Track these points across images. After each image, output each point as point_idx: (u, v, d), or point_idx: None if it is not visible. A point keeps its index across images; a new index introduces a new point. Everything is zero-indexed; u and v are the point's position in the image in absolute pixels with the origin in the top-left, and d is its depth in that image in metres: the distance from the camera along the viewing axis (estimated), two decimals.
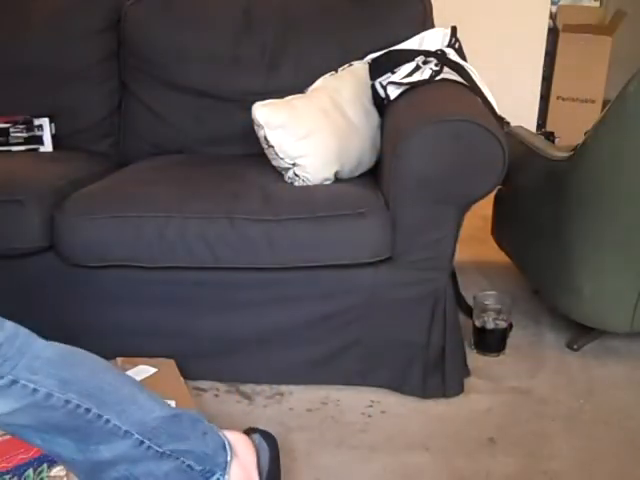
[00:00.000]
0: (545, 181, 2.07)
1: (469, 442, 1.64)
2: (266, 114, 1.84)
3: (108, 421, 1.13)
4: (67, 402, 1.09)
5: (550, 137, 3.96)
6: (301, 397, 1.81)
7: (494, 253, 2.51)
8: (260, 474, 1.32)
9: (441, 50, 2.01)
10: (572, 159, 1.91)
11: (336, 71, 2.08)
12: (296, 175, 1.84)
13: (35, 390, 1.07)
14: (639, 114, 1.74)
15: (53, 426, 1.10)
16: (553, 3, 4.35)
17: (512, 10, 3.51)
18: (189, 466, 1.22)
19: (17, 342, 1.08)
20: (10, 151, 2.19)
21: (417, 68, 1.95)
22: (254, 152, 2.01)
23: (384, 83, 1.99)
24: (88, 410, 1.11)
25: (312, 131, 1.85)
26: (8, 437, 1.35)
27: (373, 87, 2.03)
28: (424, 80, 1.89)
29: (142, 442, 1.16)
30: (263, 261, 1.72)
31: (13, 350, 1.07)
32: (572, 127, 3.25)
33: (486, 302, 2.03)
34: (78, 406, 1.10)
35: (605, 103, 3.97)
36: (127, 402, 1.17)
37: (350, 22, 2.22)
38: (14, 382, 1.05)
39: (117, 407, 1.15)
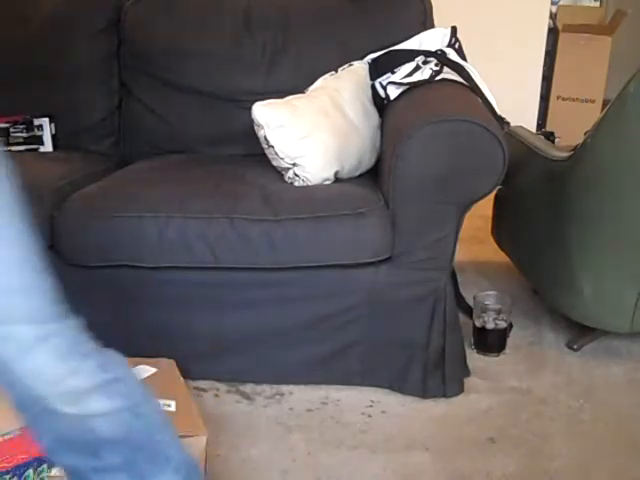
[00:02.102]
0: (545, 181, 2.07)
1: (469, 442, 1.64)
2: (266, 114, 1.84)
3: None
4: None
5: (550, 137, 3.96)
6: (301, 397, 1.81)
7: (494, 253, 2.51)
8: None
9: (441, 50, 2.01)
10: (572, 159, 1.91)
11: (336, 71, 2.08)
12: (296, 175, 1.84)
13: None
14: (639, 114, 1.74)
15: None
16: (553, 3, 4.35)
17: (512, 10, 3.51)
18: None
19: None
20: (10, 151, 2.19)
21: (417, 68, 1.95)
22: (254, 152, 2.01)
23: (384, 83, 1.99)
24: None
25: (312, 131, 1.85)
26: (8, 437, 1.35)
27: (373, 87, 2.03)
28: (424, 80, 1.89)
29: None
30: (263, 261, 1.72)
31: None
32: (572, 127, 3.25)
33: (486, 302, 2.03)
34: None
35: (605, 103, 3.97)
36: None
37: (350, 22, 2.22)
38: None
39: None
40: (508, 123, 2.02)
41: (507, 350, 2.02)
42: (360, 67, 2.07)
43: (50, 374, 0.95)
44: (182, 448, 1.10)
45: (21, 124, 2.20)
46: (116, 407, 1.01)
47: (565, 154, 1.96)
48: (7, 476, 1.30)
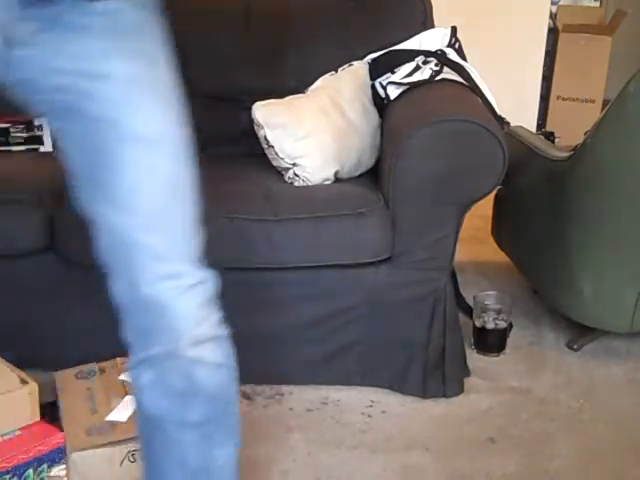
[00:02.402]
0: (545, 181, 2.07)
1: (469, 442, 1.64)
2: (266, 114, 1.84)
3: None
4: None
5: (550, 137, 3.96)
6: (301, 397, 1.81)
7: (494, 253, 2.51)
8: None
9: (441, 50, 2.01)
10: (572, 159, 1.91)
11: (336, 71, 2.07)
12: (296, 175, 1.84)
13: None
14: (639, 114, 1.74)
15: None
16: (553, 3, 4.35)
17: (512, 10, 3.51)
18: None
19: None
20: (10, 151, 2.19)
21: (417, 68, 1.95)
22: (254, 152, 2.01)
23: (384, 83, 1.99)
24: None
25: (312, 131, 1.85)
26: (8, 437, 1.35)
27: (373, 87, 2.03)
28: (424, 80, 1.89)
29: None
30: (263, 261, 1.72)
31: None
32: (572, 127, 3.25)
33: (486, 302, 2.03)
34: None
35: (605, 103, 3.97)
36: None
37: (350, 22, 2.22)
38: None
39: None
40: (508, 123, 2.02)
41: (507, 350, 2.02)
42: (360, 67, 2.07)
43: (193, 318, 1.02)
44: None
45: (21, 124, 2.20)
46: (221, 363, 1.07)
47: (565, 154, 1.96)
48: (7, 476, 1.30)
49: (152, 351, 1.02)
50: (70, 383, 1.60)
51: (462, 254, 2.03)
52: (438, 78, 1.90)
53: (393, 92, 1.95)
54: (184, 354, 1.01)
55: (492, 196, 2.32)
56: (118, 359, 1.68)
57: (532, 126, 3.82)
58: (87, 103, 0.93)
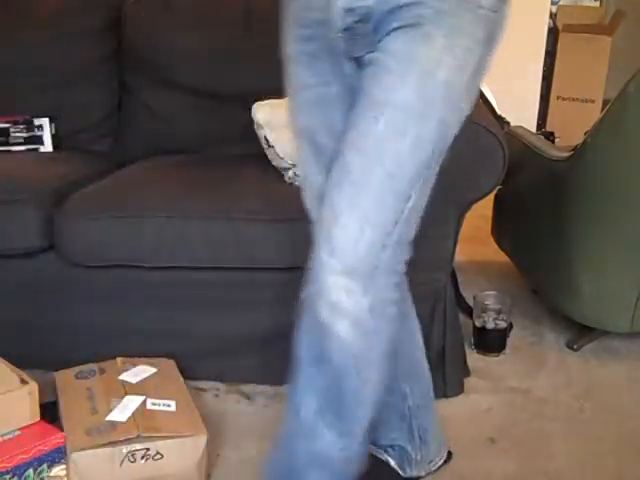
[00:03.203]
0: (545, 181, 2.07)
1: (469, 442, 1.63)
2: (266, 114, 1.84)
3: None
4: None
5: (550, 137, 3.96)
6: None
7: (494, 253, 2.51)
8: None
9: None
10: (572, 159, 1.91)
11: None
12: (296, 175, 1.84)
13: None
14: (639, 114, 1.74)
15: None
16: (553, 3, 4.35)
17: (512, 10, 3.50)
18: None
19: None
20: (10, 151, 2.19)
21: None
22: (254, 152, 2.01)
23: None
24: None
25: None
26: (8, 437, 1.35)
27: None
28: None
29: None
30: (263, 261, 1.72)
31: None
32: (572, 127, 3.25)
33: (486, 302, 2.03)
34: None
35: (605, 103, 3.96)
36: None
37: None
38: None
39: None
40: (508, 123, 2.02)
41: (507, 350, 2.02)
42: None
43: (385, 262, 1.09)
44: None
45: (21, 124, 2.20)
46: (380, 328, 1.13)
47: (565, 154, 1.96)
48: (7, 476, 1.30)
49: (311, 288, 1.14)
50: (70, 383, 1.60)
51: (462, 254, 2.03)
52: None
53: None
54: (322, 308, 1.11)
55: (492, 196, 2.32)
56: (118, 359, 1.69)
57: (532, 126, 3.82)
58: None
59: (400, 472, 1.45)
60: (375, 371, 1.15)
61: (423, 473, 1.47)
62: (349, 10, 1.07)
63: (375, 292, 1.09)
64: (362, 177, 1.06)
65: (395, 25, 1.04)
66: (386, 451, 1.46)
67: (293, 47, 1.20)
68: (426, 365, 1.43)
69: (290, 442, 1.20)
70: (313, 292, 1.12)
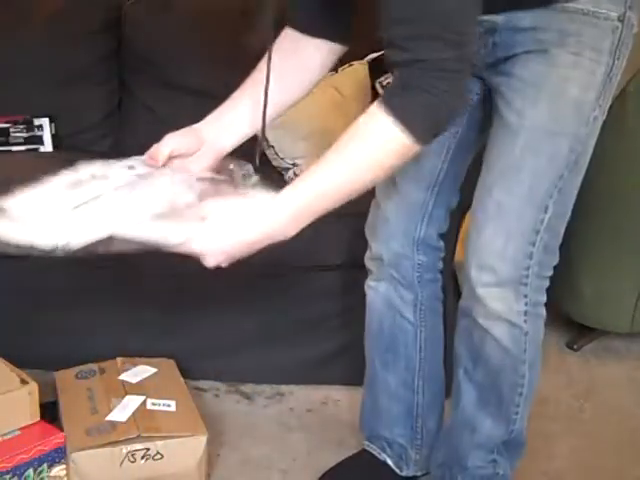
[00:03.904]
0: None
1: None
2: None
3: None
4: None
5: None
6: (301, 397, 1.81)
7: None
8: None
9: None
10: None
11: (336, 71, 2.07)
12: (296, 175, 1.84)
13: None
14: (639, 114, 1.74)
15: None
16: None
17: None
18: None
19: None
20: (10, 151, 2.19)
21: None
22: (254, 152, 2.00)
23: (384, 83, 1.99)
24: None
25: (312, 131, 1.85)
26: (8, 437, 1.35)
27: (373, 87, 2.02)
28: None
29: None
30: (263, 261, 1.71)
31: None
32: None
33: None
34: None
35: None
36: None
37: None
38: None
39: None
40: None
41: None
42: (360, 67, 2.07)
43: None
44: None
45: (21, 124, 2.20)
46: (533, 329, 1.26)
47: None
48: (7, 476, 1.30)
49: (465, 302, 1.26)
50: (70, 383, 1.60)
51: (462, 254, 2.03)
52: None
53: None
54: (476, 318, 1.22)
55: None
56: (118, 359, 1.68)
57: None
58: None
59: (397, 471, 1.46)
60: (529, 367, 1.26)
61: (419, 473, 1.47)
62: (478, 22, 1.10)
63: (527, 297, 1.21)
64: (503, 195, 1.15)
65: (519, 50, 1.10)
66: (384, 450, 1.46)
67: None
68: (442, 367, 1.45)
69: (452, 430, 1.34)
70: (469, 303, 1.23)
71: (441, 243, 1.41)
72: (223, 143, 1.25)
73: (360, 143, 0.99)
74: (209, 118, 1.27)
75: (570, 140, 1.12)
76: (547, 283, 1.26)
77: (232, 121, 1.26)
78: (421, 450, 1.45)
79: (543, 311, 1.28)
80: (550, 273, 1.25)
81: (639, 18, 1.10)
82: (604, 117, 1.16)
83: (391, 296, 1.39)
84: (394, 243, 1.35)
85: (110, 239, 1.04)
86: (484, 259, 1.18)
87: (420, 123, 0.95)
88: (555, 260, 1.24)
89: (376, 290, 1.41)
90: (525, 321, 1.22)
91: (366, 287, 1.43)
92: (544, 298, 1.27)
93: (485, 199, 1.18)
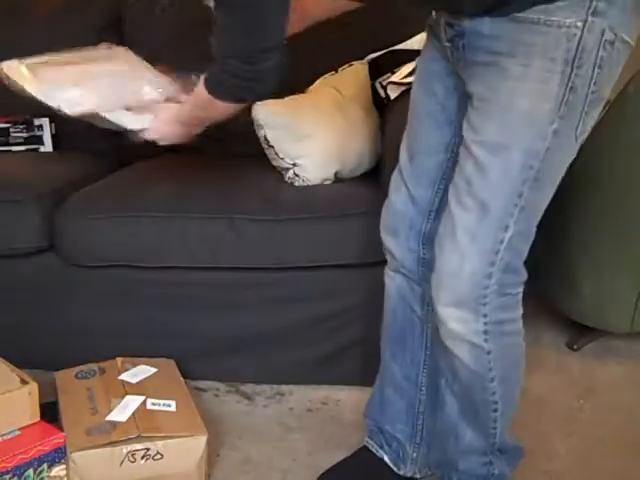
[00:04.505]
0: None
1: None
2: (266, 114, 1.84)
3: None
4: None
5: None
6: (301, 397, 1.81)
7: None
8: None
9: None
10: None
11: (336, 71, 2.07)
12: (296, 175, 1.84)
13: None
14: (639, 114, 1.74)
15: None
16: None
17: None
18: None
19: None
20: (10, 151, 2.19)
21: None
22: (254, 152, 2.01)
23: (384, 83, 1.99)
24: None
25: (312, 131, 1.85)
26: (8, 437, 1.35)
27: (373, 87, 2.02)
28: None
29: None
30: (263, 261, 1.72)
31: None
32: None
33: None
34: None
35: (605, 103, 3.96)
36: None
37: (350, 22, 2.22)
38: None
39: None
40: None
41: None
42: (360, 67, 2.07)
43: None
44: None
45: (21, 124, 2.20)
46: (499, 347, 1.20)
47: None
48: (7, 476, 1.30)
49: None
50: (70, 383, 1.60)
51: None
52: None
53: (393, 92, 1.95)
54: (442, 338, 1.21)
55: None
56: (118, 359, 1.69)
57: None
58: None
59: (395, 469, 1.46)
60: (500, 383, 1.23)
61: (418, 476, 1.47)
62: (449, 25, 1.14)
63: (487, 317, 1.16)
64: (459, 212, 1.13)
65: (478, 59, 1.09)
66: (382, 447, 1.46)
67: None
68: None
69: (440, 434, 1.35)
70: (436, 320, 1.21)
71: None
72: None
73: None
74: None
75: (523, 155, 1.08)
76: (515, 300, 1.20)
77: None
78: (419, 449, 1.45)
79: (512, 327, 1.22)
80: (516, 290, 1.19)
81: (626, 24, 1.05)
82: (587, 129, 1.13)
83: (404, 288, 1.39)
84: (401, 235, 1.35)
85: (94, 114, 1.34)
86: (442, 278, 1.16)
87: (222, 88, 1.25)
88: (521, 277, 1.19)
89: (393, 280, 1.41)
90: (486, 340, 1.18)
91: (385, 275, 1.43)
92: (514, 314, 1.21)
93: (445, 214, 1.17)
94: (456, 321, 1.16)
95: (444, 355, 1.25)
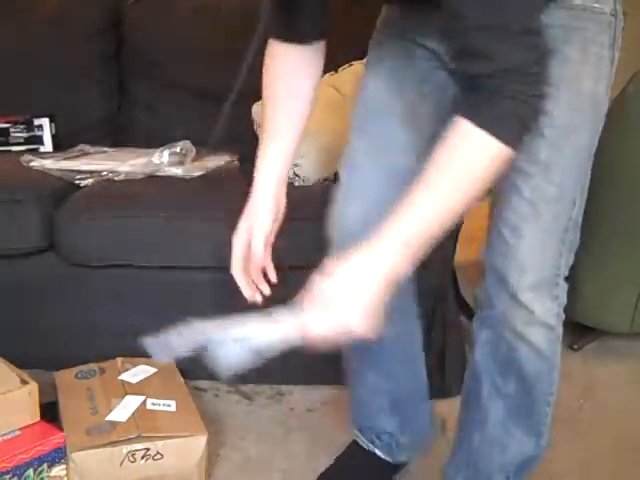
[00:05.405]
0: None
1: None
2: None
3: None
4: None
5: None
6: (301, 397, 1.81)
7: None
8: None
9: None
10: None
11: (336, 71, 2.07)
12: (296, 175, 1.84)
13: None
14: (639, 114, 1.74)
15: None
16: None
17: None
18: None
19: None
20: (10, 151, 2.19)
21: None
22: (254, 152, 2.00)
23: None
24: None
25: (312, 131, 1.85)
26: (8, 437, 1.35)
27: None
28: None
29: None
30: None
31: None
32: None
33: None
34: None
35: None
36: None
37: (350, 22, 2.22)
38: None
39: None
40: None
41: None
42: (360, 67, 2.07)
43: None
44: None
45: (21, 124, 2.20)
46: (544, 350, 1.19)
47: None
48: (7, 476, 1.30)
49: (492, 312, 1.21)
50: (70, 383, 1.60)
51: (462, 254, 2.03)
52: None
53: None
54: (515, 326, 1.17)
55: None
56: (118, 359, 1.69)
57: None
58: None
59: (389, 459, 1.45)
60: (558, 372, 1.25)
61: (410, 459, 1.48)
62: None
63: (558, 299, 1.19)
64: (535, 195, 1.14)
65: None
66: (372, 442, 1.45)
67: None
68: (422, 362, 1.46)
69: (481, 448, 1.29)
70: (499, 311, 1.19)
71: None
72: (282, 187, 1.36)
73: (459, 162, 0.95)
74: (262, 176, 1.38)
75: (590, 135, 1.13)
76: (566, 285, 1.23)
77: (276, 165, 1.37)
78: (410, 434, 1.44)
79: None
80: (568, 274, 1.22)
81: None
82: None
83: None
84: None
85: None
86: (526, 262, 1.16)
87: (514, 131, 0.94)
88: (572, 259, 1.23)
89: None
90: (558, 323, 1.20)
91: None
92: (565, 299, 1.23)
93: (514, 199, 1.15)
94: (536, 302, 1.16)
95: (497, 353, 1.21)
